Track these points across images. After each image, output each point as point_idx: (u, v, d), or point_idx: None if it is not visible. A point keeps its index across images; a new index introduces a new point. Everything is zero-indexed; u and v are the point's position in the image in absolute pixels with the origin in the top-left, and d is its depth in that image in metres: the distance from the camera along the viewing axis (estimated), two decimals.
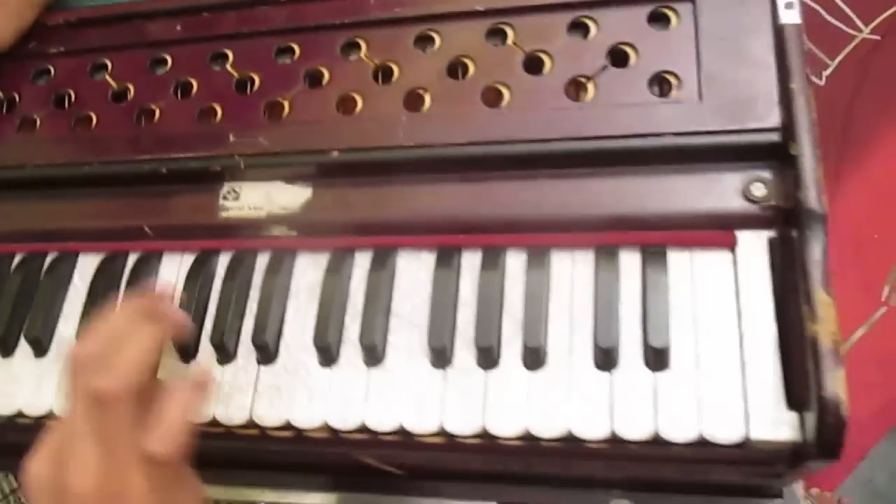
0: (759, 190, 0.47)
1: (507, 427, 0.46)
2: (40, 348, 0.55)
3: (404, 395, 0.48)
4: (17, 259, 0.59)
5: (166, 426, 0.43)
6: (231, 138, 0.54)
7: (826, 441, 0.40)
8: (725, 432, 0.43)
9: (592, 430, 0.45)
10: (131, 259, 0.56)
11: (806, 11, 1.27)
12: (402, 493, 0.61)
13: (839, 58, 1.23)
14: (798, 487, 0.56)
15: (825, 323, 0.41)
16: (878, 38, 1.23)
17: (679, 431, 0.44)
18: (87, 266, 0.57)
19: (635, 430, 0.44)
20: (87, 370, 0.43)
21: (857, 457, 1.04)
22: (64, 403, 0.44)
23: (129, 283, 0.55)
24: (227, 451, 0.59)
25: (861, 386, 1.04)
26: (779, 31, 0.48)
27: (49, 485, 0.43)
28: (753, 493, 0.56)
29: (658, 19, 0.51)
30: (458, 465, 0.57)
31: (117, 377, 0.42)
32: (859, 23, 1.25)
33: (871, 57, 1.22)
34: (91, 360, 0.43)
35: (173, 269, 0.55)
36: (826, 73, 1.23)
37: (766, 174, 0.47)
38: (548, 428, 0.45)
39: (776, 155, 0.47)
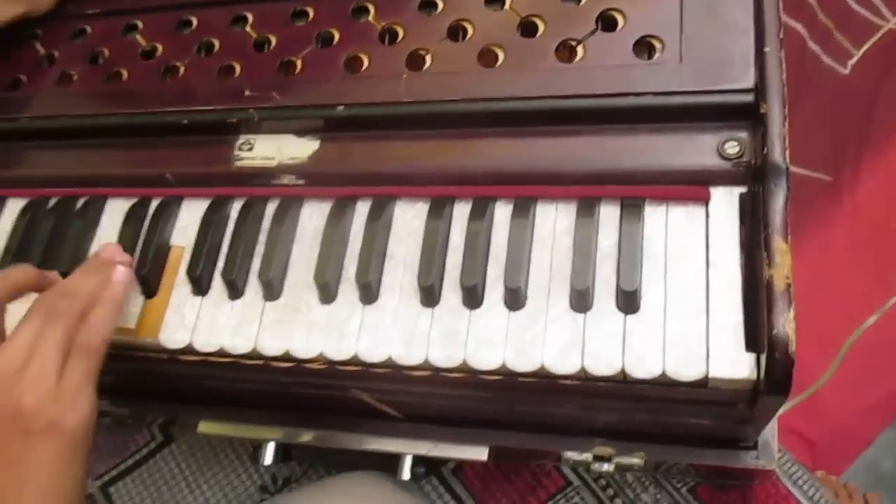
0: (732, 148, 0.50)
1: (486, 361, 0.50)
2: None
3: (394, 330, 0.52)
4: (51, 202, 0.64)
5: (90, 320, 0.50)
6: (247, 93, 0.59)
7: (775, 377, 0.43)
8: (687, 370, 0.46)
9: (564, 365, 0.48)
10: (154, 203, 0.61)
11: (833, 0, 1.28)
12: (399, 435, 0.65)
13: (865, 47, 1.24)
14: (773, 441, 0.59)
15: (780, 268, 0.44)
16: None
17: (644, 369, 0.47)
18: (114, 209, 0.62)
19: (604, 366, 0.48)
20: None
21: (864, 443, 1.05)
22: None
23: (150, 225, 0.60)
24: (234, 387, 0.64)
25: (869, 372, 1.06)
26: None
27: None
28: (729, 445, 0.59)
29: None
30: (449, 406, 0.61)
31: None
32: (886, 13, 1.25)
33: None
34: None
35: (191, 214, 0.60)
36: (851, 62, 1.24)
37: (741, 133, 0.50)
38: (523, 362, 0.49)
39: (750, 115, 0.49)
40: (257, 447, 0.71)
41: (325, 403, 0.65)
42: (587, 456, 0.62)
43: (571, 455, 0.62)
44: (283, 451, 0.70)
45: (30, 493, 0.47)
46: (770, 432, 0.58)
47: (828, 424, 1.05)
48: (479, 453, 0.63)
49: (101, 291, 0.52)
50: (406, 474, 0.66)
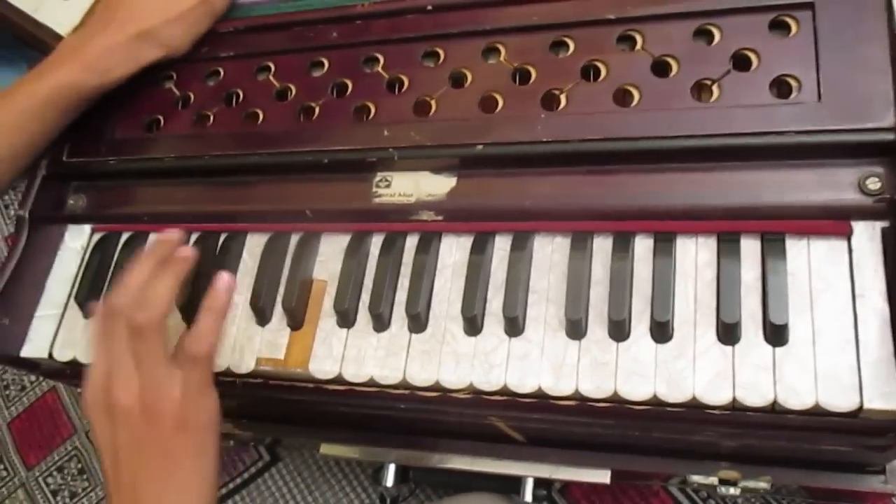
0: (874, 184, 0.51)
1: (636, 392, 0.52)
2: None
3: (543, 361, 0.54)
4: (193, 237, 0.67)
5: (197, 329, 0.55)
6: (385, 133, 0.61)
7: None
8: (841, 401, 0.48)
9: (716, 396, 0.50)
10: (293, 238, 0.64)
11: None
12: (523, 458, 0.67)
13: None
14: None
15: None
16: None
17: (796, 400, 0.49)
18: (254, 244, 0.65)
19: (755, 397, 0.49)
20: (124, 310, 0.54)
21: None
22: (97, 344, 0.56)
23: (293, 260, 0.62)
24: (362, 412, 0.66)
25: None
26: (894, 39, 0.52)
27: (102, 404, 0.54)
28: (856, 469, 0.60)
29: (779, 26, 0.56)
30: (578, 431, 0.63)
31: (150, 310, 0.54)
32: None
33: None
34: (126, 303, 0.55)
35: (331, 248, 0.63)
36: None
37: (880, 169, 0.51)
38: (674, 394, 0.51)
39: (891, 152, 0.51)
40: (378, 469, 0.73)
41: (452, 428, 0.67)
42: (713, 479, 0.64)
43: (697, 478, 0.64)
44: (402, 473, 0.73)
45: (173, 483, 0.53)
46: None
47: None
48: (602, 476, 0.65)
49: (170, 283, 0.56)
50: (528, 496, 0.68)
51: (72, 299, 0.68)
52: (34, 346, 0.68)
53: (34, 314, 0.69)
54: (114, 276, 0.67)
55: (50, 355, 0.67)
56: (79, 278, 0.69)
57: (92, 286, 0.67)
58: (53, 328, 0.68)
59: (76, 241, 0.71)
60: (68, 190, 0.72)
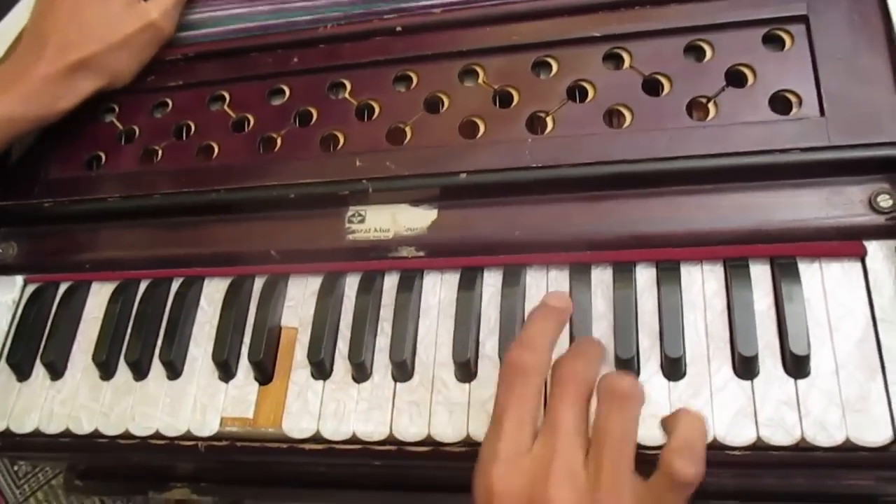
0: (885, 201, 0.48)
1: (653, 436, 0.47)
2: (174, 371, 0.56)
3: None
4: (142, 285, 0.60)
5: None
6: (358, 163, 0.56)
7: None
8: (871, 435, 0.44)
9: (739, 436, 0.46)
10: (258, 282, 0.58)
11: None
12: None
13: None
14: None
15: None
16: None
17: (826, 436, 0.45)
18: (213, 290, 0.59)
19: (782, 436, 0.46)
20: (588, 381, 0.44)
21: None
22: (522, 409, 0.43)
23: (259, 306, 0.56)
24: (335, 472, 0.60)
25: None
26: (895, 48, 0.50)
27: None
28: (868, 501, 0.57)
29: (772, 40, 0.54)
30: None
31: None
32: None
33: None
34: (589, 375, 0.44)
35: (300, 291, 0.57)
36: None
37: (886, 185, 0.49)
38: None
39: None
40: None
41: (438, 482, 0.62)
42: None
43: None
44: None
45: None
46: None
47: None
48: None
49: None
50: None
51: (2, 361, 0.60)
52: None
53: None
54: (52, 332, 0.60)
55: None
56: (10, 337, 0.61)
57: (27, 345, 0.60)
58: None
59: (6, 295, 0.63)
60: None
